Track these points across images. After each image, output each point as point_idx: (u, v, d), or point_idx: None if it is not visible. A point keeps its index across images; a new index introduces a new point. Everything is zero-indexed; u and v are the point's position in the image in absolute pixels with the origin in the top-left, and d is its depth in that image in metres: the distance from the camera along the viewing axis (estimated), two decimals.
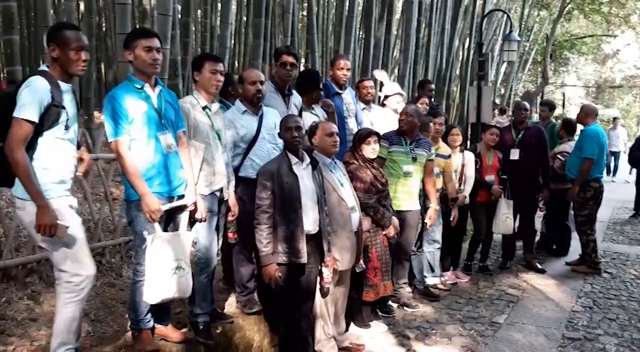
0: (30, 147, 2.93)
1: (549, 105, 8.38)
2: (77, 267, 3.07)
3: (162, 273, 3.37)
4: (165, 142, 3.49)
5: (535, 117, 22.04)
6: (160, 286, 3.38)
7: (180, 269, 3.45)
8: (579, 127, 7.09)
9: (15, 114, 2.84)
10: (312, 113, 4.89)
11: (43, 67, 3.10)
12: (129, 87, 3.45)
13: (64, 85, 3.05)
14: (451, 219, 5.87)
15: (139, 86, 3.45)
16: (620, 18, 25.11)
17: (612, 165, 16.92)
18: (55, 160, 3.03)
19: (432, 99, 7.49)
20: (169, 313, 3.94)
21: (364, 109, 5.72)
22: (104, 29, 12.22)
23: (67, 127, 3.07)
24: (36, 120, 2.88)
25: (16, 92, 2.90)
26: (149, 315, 3.64)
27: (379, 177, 4.60)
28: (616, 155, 16.93)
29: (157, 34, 3.61)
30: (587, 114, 6.73)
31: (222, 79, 3.94)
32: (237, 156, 4.17)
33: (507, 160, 6.54)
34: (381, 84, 6.06)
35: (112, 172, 5.26)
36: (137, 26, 10.90)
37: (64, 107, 3.02)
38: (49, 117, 2.94)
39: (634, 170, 14.50)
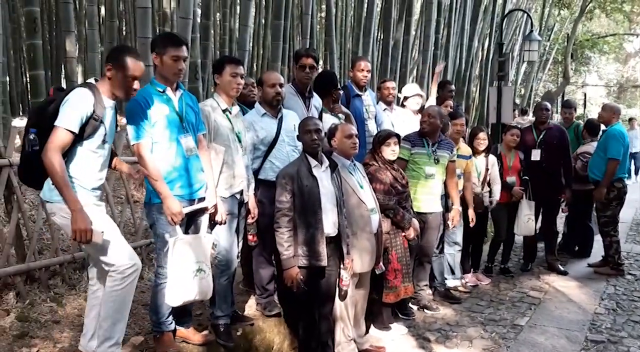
0: (66, 155, 2.99)
1: (573, 107, 8.24)
2: (118, 259, 3.10)
3: (184, 275, 3.40)
4: (187, 145, 3.53)
5: (557, 117, 21.88)
6: (182, 288, 3.41)
7: (201, 271, 3.47)
8: (602, 127, 7.01)
9: (57, 122, 2.90)
10: (332, 115, 4.87)
11: (91, 80, 3.17)
12: (151, 90, 3.48)
13: (107, 102, 3.12)
14: (470, 220, 5.81)
15: (160, 90, 3.48)
16: None
17: (632, 167, 16.65)
18: (88, 171, 3.10)
19: (453, 100, 7.45)
20: (190, 315, 3.96)
21: (385, 109, 5.71)
22: (124, 32, 12.36)
23: (104, 142, 3.14)
24: (76, 131, 2.94)
25: (61, 100, 2.97)
26: (171, 317, 3.67)
27: (399, 179, 4.58)
28: (635, 156, 16.61)
29: (186, 42, 3.65)
30: (612, 113, 6.63)
31: (242, 82, 3.96)
32: (256, 159, 4.19)
33: (529, 161, 6.49)
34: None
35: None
36: (158, 30, 11.06)
37: (102, 122, 3.08)
38: (87, 129, 2.99)
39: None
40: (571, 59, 21.97)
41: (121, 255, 3.12)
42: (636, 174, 16.84)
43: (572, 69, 24.61)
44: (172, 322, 3.69)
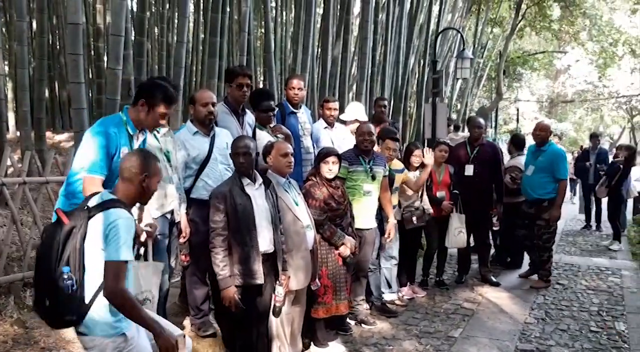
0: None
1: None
2: None
3: None
4: None
5: (490, 132, 22.53)
6: None
7: (146, 300, 3.39)
8: (530, 142, 7.25)
9: (115, 256, 2.59)
10: (268, 132, 4.87)
11: (106, 193, 2.83)
12: (120, 125, 3.37)
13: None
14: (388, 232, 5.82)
15: (131, 132, 3.40)
16: (570, 35, 25.90)
17: None
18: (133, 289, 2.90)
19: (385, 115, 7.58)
20: None
21: (325, 127, 5.76)
22: (57, 47, 12.04)
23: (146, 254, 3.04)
24: (132, 258, 2.69)
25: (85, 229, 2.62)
26: None
27: (336, 196, 4.62)
28: None
29: (177, 100, 3.63)
30: (548, 132, 6.82)
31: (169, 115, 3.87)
32: (188, 178, 4.16)
33: (462, 176, 6.66)
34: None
35: None
36: (92, 46, 10.83)
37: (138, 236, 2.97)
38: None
39: (576, 190, 14.86)
40: (504, 75, 22.72)
41: None
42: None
43: (505, 85, 25.44)
44: None
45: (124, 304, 2.60)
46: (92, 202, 2.72)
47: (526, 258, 7.55)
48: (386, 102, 7.72)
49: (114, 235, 2.59)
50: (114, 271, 2.58)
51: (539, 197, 6.64)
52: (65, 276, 2.54)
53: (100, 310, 2.64)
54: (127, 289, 2.65)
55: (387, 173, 5.40)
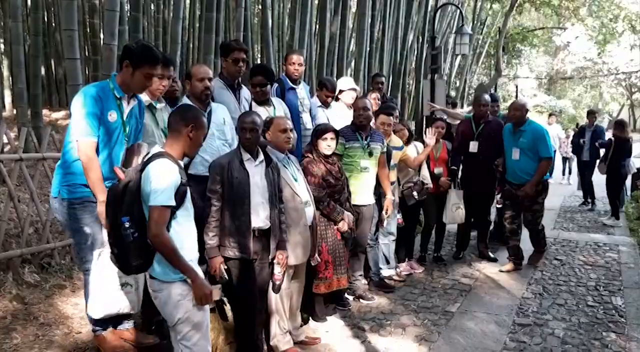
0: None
1: (498, 100, 8.24)
2: (202, 347, 3.00)
3: (108, 288, 3.35)
4: (122, 153, 3.44)
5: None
6: (104, 302, 3.37)
7: (127, 285, 3.41)
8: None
9: (153, 202, 2.77)
10: (266, 108, 4.83)
11: (157, 147, 3.02)
12: (107, 89, 3.38)
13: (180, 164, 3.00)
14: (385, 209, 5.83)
15: (118, 95, 3.40)
16: (569, 11, 25.68)
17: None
18: (185, 242, 2.95)
19: (384, 92, 7.55)
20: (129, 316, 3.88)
21: (319, 106, 5.73)
22: (53, 24, 11.94)
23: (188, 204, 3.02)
24: (174, 204, 2.83)
25: (138, 180, 2.84)
26: None
27: (333, 172, 4.62)
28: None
29: (165, 60, 3.60)
30: (525, 111, 6.34)
31: (162, 83, 3.84)
32: None
33: (467, 153, 6.63)
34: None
35: None
36: (87, 22, 10.74)
37: (190, 185, 3.01)
38: (177, 198, 2.86)
39: (572, 168, 14.73)
40: (503, 51, 22.54)
41: (203, 348, 3.01)
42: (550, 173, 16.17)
43: (504, 61, 25.31)
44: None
45: (164, 248, 2.80)
46: (146, 159, 2.94)
47: (525, 234, 7.54)
48: (383, 79, 7.68)
49: (154, 183, 2.78)
50: (155, 216, 2.78)
51: (528, 178, 6.25)
52: (126, 225, 2.80)
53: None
54: (167, 234, 2.81)
55: (384, 149, 5.38)
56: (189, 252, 2.96)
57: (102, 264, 3.32)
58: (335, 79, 6.59)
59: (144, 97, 3.80)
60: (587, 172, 11.14)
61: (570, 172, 14.90)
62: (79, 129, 3.28)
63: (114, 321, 3.65)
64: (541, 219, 6.58)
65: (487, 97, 7.00)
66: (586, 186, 11.23)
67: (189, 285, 2.89)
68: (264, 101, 4.82)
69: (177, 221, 2.91)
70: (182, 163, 3.02)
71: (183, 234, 2.94)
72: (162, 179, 2.79)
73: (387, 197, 5.45)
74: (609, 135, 10.84)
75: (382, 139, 5.34)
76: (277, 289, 4.04)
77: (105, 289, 3.33)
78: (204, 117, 3.09)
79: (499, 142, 6.56)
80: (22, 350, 3.63)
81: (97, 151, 3.36)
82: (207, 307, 3.04)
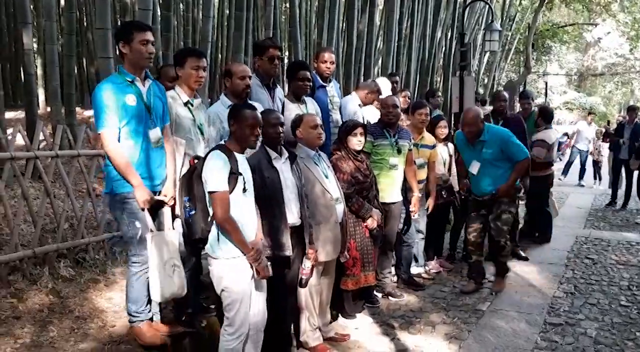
0: None
1: (531, 97, 8.12)
2: (240, 322, 3.30)
3: (166, 271, 3.46)
4: (154, 136, 3.55)
5: (518, 106, 22.19)
6: (165, 284, 3.47)
7: (176, 266, 3.52)
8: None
9: (210, 188, 3.15)
10: (298, 105, 4.84)
11: (221, 143, 3.41)
12: (118, 79, 3.49)
13: (239, 157, 3.30)
14: (427, 207, 5.89)
15: (129, 79, 3.49)
16: (601, 6, 25.27)
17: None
18: (239, 219, 3.23)
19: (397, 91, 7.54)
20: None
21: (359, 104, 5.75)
22: (85, 24, 12.14)
23: (244, 190, 3.27)
24: (227, 188, 3.15)
25: (202, 168, 3.24)
26: (149, 306, 3.67)
27: (362, 169, 4.61)
28: (582, 154, 14.47)
29: (151, 28, 3.67)
30: (481, 121, 5.49)
31: (204, 74, 3.96)
32: None
33: None
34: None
35: (94, 169, 5.24)
36: (118, 21, 10.90)
37: (241, 174, 3.25)
38: (230, 184, 3.18)
39: (598, 178, 14.16)
40: (532, 48, 22.28)
41: (240, 319, 3.30)
42: (581, 176, 14.49)
43: (533, 58, 25.01)
44: (150, 311, 3.69)
45: (227, 229, 3.19)
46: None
47: (555, 232, 7.47)
48: (397, 78, 7.70)
49: (205, 171, 3.19)
50: (214, 201, 3.16)
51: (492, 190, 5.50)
52: (186, 205, 3.30)
53: (214, 233, 3.24)
54: (230, 215, 3.17)
55: (411, 147, 5.37)
56: (245, 234, 3.26)
57: (157, 248, 3.43)
58: (362, 77, 6.61)
59: (182, 94, 3.87)
60: (625, 171, 10.75)
61: (600, 179, 14.10)
62: (98, 122, 3.40)
63: (150, 313, 3.74)
64: (508, 235, 5.69)
65: (505, 93, 6.99)
66: (626, 183, 10.80)
67: (235, 262, 3.23)
68: (297, 98, 4.84)
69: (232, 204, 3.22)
70: (240, 155, 3.33)
71: (236, 216, 3.22)
72: (210, 168, 3.18)
73: (415, 194, 5.44)
74: None
75: (409, 136, 5.33)
76: (304, 284, 4.06)
77: (163, 272, 3.46)
78: (246, 111, 3.36)
79: (519, 138, 6.47)
80: (59, 343, 3.71)
81: (130, 140, 3.47)
82: (249, 283, 3.33)
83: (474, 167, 5.54)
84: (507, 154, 5.41)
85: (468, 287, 5.70)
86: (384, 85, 6.21)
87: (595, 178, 14.27)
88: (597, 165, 14.28)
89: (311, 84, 4.91)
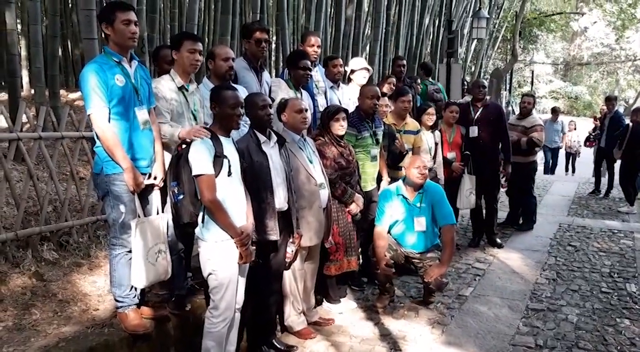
0: None
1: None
2: (225, 306, 3.37)
3: (149, 257, 3.44)
4: (142, 118, 3.52)
5: (505, 94, 22.29)
6: (147, 270, 3.45)
7: (161, 252, 3.51)
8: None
9: (195, 172, 3.20)
10: (295, 92, 4.81)
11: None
12: (105, 60, 3.44)
13: (224, 140, 3.35)
14: None
15: (116, 59, 3.44)
16: None
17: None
18: (225, 202, 3.28)
19: (403, 74, 7.55)
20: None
21: (331, 87, 5.69)
22: (70, 4, 11.95)
23: (229, 174, 3.29)
24: (212, 171, 3.21)
25: (187, 153, 3.27)
26: (135, 290, 3.65)
27: (345, 155, 4.59)
28: (554, 152, 14.25)
29: (134, 8, 3.62)
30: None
31: (200, 58, 3.92)
32: None
33: (468, 138, 6.61)
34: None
35: (77, 152, 5.18)
36: (103, 3, 10.73)
37: (226, 157, 3.28)
38: (216, 168, 3.24)
39: (572, 170, 14.31)
40: (519, 36, 22.33)
41: (226, 302, 3.37)
42: (552, 171, 14.30)
43: (520, 46, 25.06)
44: (135, 296, 3.66)
45: (213, 212, 3.23)
46: None
47: (540, 220, 7.52)
48: (404, 62, 7.67)
49: (190, 154, 3.23)
50: (200, 184, 3.20)
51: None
52: (174, 190, 3.30)
53: (202, 217, 3.29)
54: (216, 198, 3.21)
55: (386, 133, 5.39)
56: (232, 217, 3.29)
57: (141, 235, 3.41)
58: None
59: (177, 78, 3.84)
60: (605, 160, 10.89)
61: (574, 170, 14.20)
62: (88, 103, 3.36)
63: (135, 298, 3.72)
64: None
65: (484, 81, 7.06)
66: (607, 173, 10.95)
67: (222, 246, 3.27)
68: (295, 87, 4.83)
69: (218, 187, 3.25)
70: (226, 138, 3.38)
71: (222, 200, 3.25)
72: (195, 152, 3.22)
73: (384, 178, 5.43)
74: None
75: (381, 123, 5.33)
76: (287, 267, 4.07)
77: (146, 259, 3.44)
78: (227, 91, 3.39)
79: (498, 125, 6.61)
80: (42, 326, 3.68)
81: (119, 122, 3.42)
82: (236, 267, 3.38)
83: (420, 224, 4.83)
84: (437, 213, 4.82)
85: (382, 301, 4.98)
86: (359, 65, 6.06)
87: (567, 170, 14.44)
88: (569, 157, 14.45)
89: (311, 73, 4.92)
